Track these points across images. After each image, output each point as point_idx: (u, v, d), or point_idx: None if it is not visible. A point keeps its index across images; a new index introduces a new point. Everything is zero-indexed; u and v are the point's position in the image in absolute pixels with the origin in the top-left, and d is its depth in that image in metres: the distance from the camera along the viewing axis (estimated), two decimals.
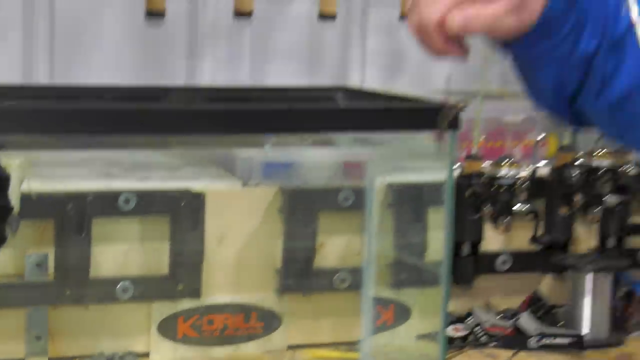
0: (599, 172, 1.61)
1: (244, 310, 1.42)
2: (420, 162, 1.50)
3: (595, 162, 1.61)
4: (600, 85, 0.83)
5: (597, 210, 1.63)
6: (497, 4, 0.79)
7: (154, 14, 1.73)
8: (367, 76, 1.92)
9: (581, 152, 1.62)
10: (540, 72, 0.84)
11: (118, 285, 1.35)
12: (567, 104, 0.85)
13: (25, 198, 1.28)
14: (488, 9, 0.79)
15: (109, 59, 1.76)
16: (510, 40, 0.82)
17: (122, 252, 1.36)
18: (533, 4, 0.80)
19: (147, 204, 1.35)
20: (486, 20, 0.80)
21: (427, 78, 1.91)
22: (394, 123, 1.38)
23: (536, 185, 1.61)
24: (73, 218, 1.31)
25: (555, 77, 0.83)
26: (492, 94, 1.74)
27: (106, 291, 1.35)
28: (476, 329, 1.53)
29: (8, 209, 1.24)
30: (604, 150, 1.61)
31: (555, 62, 0.83)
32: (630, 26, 0.82)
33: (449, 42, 0.81)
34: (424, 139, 1.43)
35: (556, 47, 0.82)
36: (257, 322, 1.42)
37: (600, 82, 0.83)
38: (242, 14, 1.78)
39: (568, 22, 0.81)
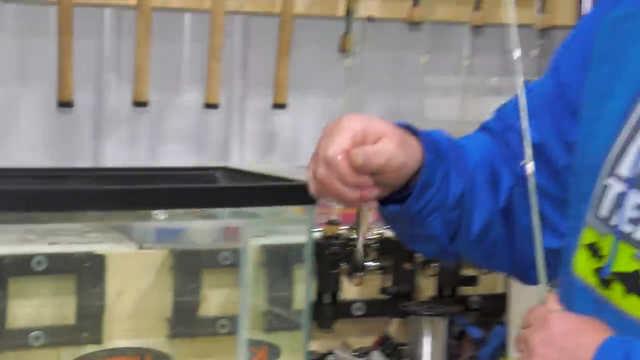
0: None
1: (140, 353, 1.50)
2: (287, 227, 1.62)
3: None
4: (468, 221, 0.89)
5: (435, 265, 1.78)
6: (386, 140, 0.84)
7: (64, 104, 1.75)
8: (246, 155, 1.98)
9: None
10: (426, 223, 0.89)
11: (31, 334, 1.42)
12: (450, 244, 0.92)
13: None
14: (380, 145, 0.84)
15: (24, 143, 1.83)
16: (403, 193, 0.87)
17: (34, 305, 1.44)
18: (413, 144, 0.87)
19: (57, 264, 1.43)
20: (382, 155, 0.84)
21: (296, 155, 1.99)
22: (265, 199, 1.51)
23: (384, 245, 1.74)
24: None
25: (441, 223, 0.89)
26: None
27: (20, 339, 1.42)
28: None
29: None
30: None
31: (437, 210, 0.88)
32: (475, 165, 0.90)
33: (356, 173, 0.84)
34: (290, 209, 1.56)
35: (435, 194, 0.87)
36: None
37: (467, 218, 0.89)
38: (139, 103, 1.82)
39: (439, 171, 0.88)
